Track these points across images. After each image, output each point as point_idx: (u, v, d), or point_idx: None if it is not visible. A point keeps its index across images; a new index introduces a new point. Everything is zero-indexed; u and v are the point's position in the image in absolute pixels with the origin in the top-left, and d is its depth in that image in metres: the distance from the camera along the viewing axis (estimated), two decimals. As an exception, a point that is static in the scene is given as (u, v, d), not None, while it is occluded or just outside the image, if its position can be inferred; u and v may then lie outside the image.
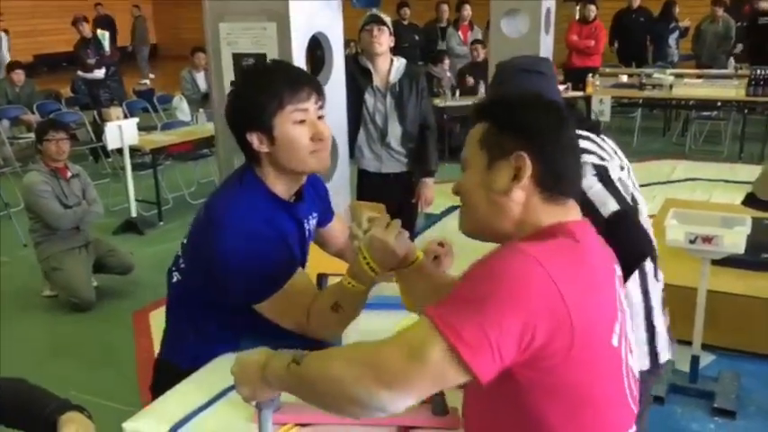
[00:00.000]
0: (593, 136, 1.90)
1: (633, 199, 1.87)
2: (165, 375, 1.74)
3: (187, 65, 8.29)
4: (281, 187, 1.68)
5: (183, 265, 1.76)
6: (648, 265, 1.88)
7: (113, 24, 13.37)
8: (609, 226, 1.67)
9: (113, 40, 9.47)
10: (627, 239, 1.67)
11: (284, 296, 1.59)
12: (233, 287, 1.59)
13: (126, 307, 4.60)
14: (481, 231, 1.24)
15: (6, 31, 11.72)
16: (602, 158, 1.83)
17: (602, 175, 1.78)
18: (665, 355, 1.93)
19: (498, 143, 1.18)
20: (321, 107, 1.66)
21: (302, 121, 1.60)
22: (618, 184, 1.80)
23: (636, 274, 1.84)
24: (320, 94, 1.65)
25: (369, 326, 1.77)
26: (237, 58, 3.09)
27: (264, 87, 1.60)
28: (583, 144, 1.78)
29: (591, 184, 1.74)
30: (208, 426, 1.42)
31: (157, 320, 4.42)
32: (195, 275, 1.69)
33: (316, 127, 1.62)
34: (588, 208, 1.69)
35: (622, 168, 1.90)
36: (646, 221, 1.90)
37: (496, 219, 1.19)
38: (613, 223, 1.68)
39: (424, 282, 1.52)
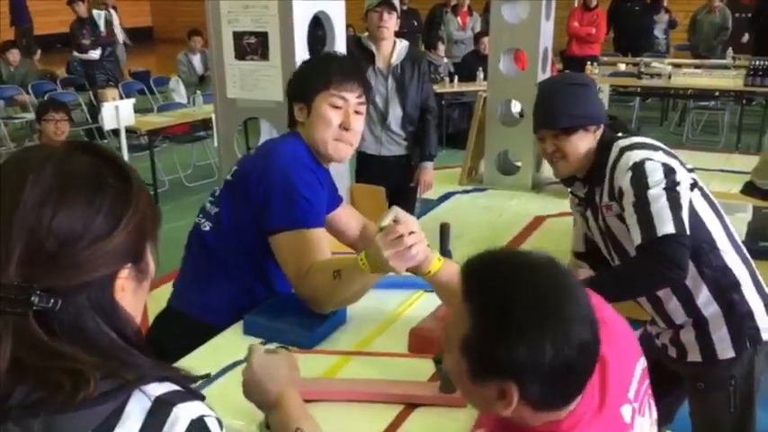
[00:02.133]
0: (653, 141, 1.89)
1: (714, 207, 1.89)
2: (179, 327, 1.78)
3: (183, 48, 8.23)
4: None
5: (215, 210, 1.83)
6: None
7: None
8: (654, 245, 1.72)
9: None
10: (662, 263, 1.72)
11: (302, 237, 1.66)
12: (274, 206, 1.68)
13: (122, 288, 4.57)
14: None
15: (115, 8, 11.45)
16: (672, 168, 1.80)
17: (671, 188, 1.77)
18: None
19: (482, 360, 0.99)
20: (362, 103, 1.84)
21: (338, 107, 1.79)
22: (684, 198, 1.79)
23: None
24: (366, 91, 1.85)
25: (376, 303, 1.77)
26: (238, 36, 3.06)
27: (320, 69, 1.85)
28: (647, 153, 1.81)
29: (658, 195, 1.75)
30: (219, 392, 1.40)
31: (155, 301, 4.39)
32: (234, 213, 1.77)
33: (348, 117, 1.80)
34: (646, 222, 1.74)
35: (691, 170, 1.90)
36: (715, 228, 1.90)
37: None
38: (660, 244, 1.72)
39: (440, 290, 1.58)
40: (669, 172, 1.78)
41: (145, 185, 0.91)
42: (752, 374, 1.95)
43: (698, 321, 1.92)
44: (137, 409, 0.80)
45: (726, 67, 8.64)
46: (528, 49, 6.07)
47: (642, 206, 1.75)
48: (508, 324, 0.95)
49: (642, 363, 1.17)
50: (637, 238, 1.76)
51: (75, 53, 9.12)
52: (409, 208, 3.79)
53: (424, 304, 1.71)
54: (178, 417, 0.81)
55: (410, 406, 1.36)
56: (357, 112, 1.82)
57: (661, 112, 9.60)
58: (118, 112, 5.89)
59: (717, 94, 8.07)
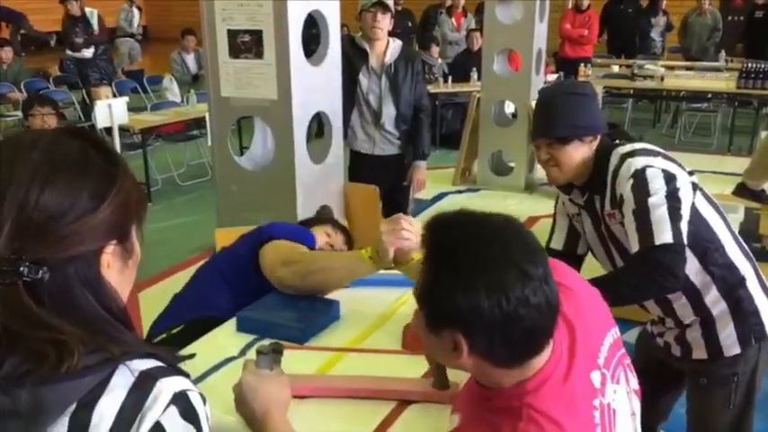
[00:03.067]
0: (653, 147, 1.90)
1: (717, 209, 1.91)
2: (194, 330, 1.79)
3: (177, 48, 8.21)
4: None
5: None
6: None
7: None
8: (650, 253, 1.74)
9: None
10: (657, 271, 1.74)
11: (290, 244, 1.85)
12: (269, 229, 1.93)
13: (114, 287, 4.56)
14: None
15: (140, 8, 11.80)
16: (673, 175, 1.81)
17: (672, 195, 1.77)
18: None
19: (431, 308, 1.05)
20: None
21: None
22: (685, 206, 1.80)
23: None
24: None
25: (370, 301, 1.78)
26: (233, 34, 3.05)
27: None
28: (648, 160, 1.82)
29: (658, 204, 1.76)
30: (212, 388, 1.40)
31: (147, 300, 4.38)
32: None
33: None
34: (645, 230, 1.75)
35: (691, 174, 1.92)
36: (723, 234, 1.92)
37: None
38: (656, 252, 1.73)
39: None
40: (670, 179, 1.79)
41: (131, 171, 0.95)
42: (755, 371, 1.97)
43: (706, 320, 1.93)
44: (121, 382, 0.84)
45: (718, 70, 8.68)
46: (522, 50, 6.10)
47: (642, 214, 1.76)
48: (449, 271, 1.00)
49: (614, 333, 1.19)
50: (635, 245, 1.78)
51: (68, 51, 9.09)
52: (402, 207, 3.79)
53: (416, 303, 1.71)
54: (161, 390, 0.85)
55: (403, 402, 1.36)
56: None
57: (654, 113, 9.63)
58: (111, 110, 5.88)
59: (709, 96, 8.11)
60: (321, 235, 2.17)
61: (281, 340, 1.43)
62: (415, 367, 1.45)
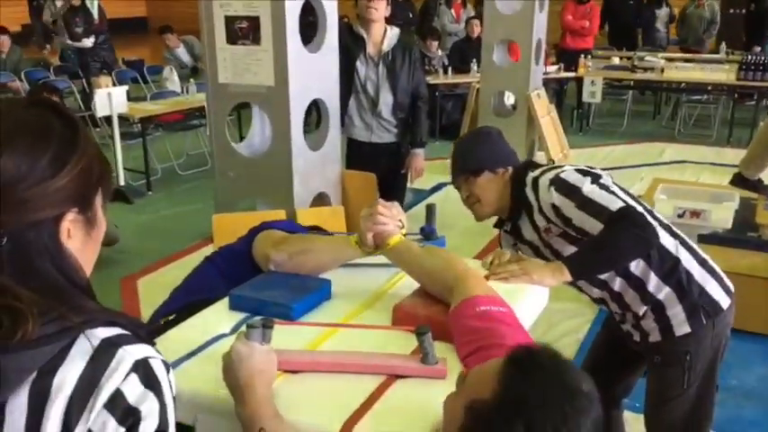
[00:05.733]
0: (559, 164, 2.14)
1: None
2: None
3: (173, 40, 8.32)
4: None
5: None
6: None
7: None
8: (616, 216, 1.83)
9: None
10: (634, 226, 1.84)
11: (283, 233, 1.86)
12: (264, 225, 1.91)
13: (115, 275, 4.58)
14: None
15: None
16: (584, 170, 1.98)
17: (597, 181, 1.93)
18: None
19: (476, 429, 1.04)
20: None
21: None
22: (613, 187, 1.95)
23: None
24: None
25: (361, 281, 1.80)
26: (230, 20, 3.07)
27: None
28: (556, 170, 2.00)
29: (592, 189, 1.90)
30: (203, 364, 1.42)
31: (146, 287, 4.42)
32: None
33: None
34: (598, 209, 1.86)
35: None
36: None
37: None
38: (621, 217, 1.84)
39: (395, 261, 1.71)
40: (585, 173, 1.95)
41: (93, 139, 0.95)
42: (713, 350, 2.02)
43: (655, 307, 2.02)
44: (82, 349, 0.84)
45: (719, 62, 8.67)
46: (521, 41, 6.09)
47: (586, 203, 1.88)
48: (528, 422, 0.98)
49: None
50: (598, 224, 1.87)
51: (69, 41, 9.10)
52: (399, 195, 3.81)
53: (408, 283, 1.73)
54: (123, 357, 0.85)
55: (392, 377, 1.38)
56: None
57: (654, 105, 9.63)
58: (110, 98, 5.89)
59: (709, 88, 8.11)
60: None
61: (273, 317, 1.44)
62: (404, 343, 1.47)
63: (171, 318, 1.89)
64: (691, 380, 2.04)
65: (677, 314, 2.00)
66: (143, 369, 0.85)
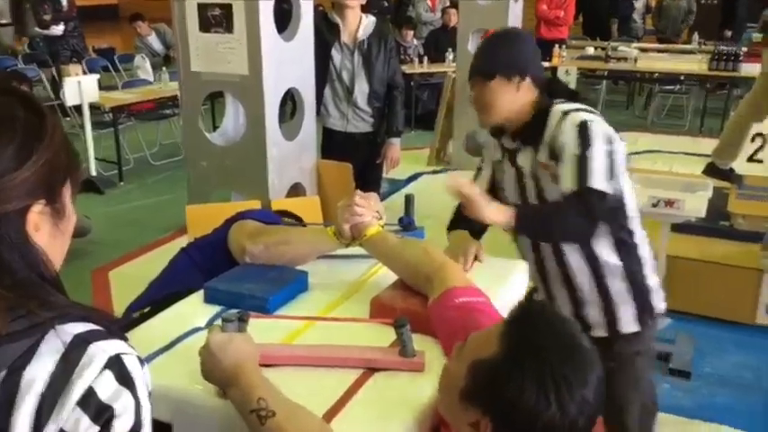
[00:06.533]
0: (594, 110, 1.97)
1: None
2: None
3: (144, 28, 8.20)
4: None
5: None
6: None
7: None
8: (584, 194, 1.82)
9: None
10: (587, 214, 1.84)
11: (260, 224, 1.83)
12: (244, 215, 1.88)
13: (86, 267, 4.51)
14: None
15: None
16: (613, 138, 1.89)
17: (611, 155, 1.86)
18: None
19: (483, 389, 1.05)
20: None
21: None
22: (618, 169, 1.88)
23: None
24: None
25: (338, 273, 1.78)
26: (202, 8, 3.01)
27: None
28: (592, 117, 1.90)
29: (599, 156, 1.84)
30: (179, 358, 1.40)
31: (117, 279, 4.36)
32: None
33: None
34: (583, 172, 1.82)
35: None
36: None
37: None
38: (589, 195, 1.82)
39: (373, 252, 1.70)
40: (610, 140, 1.88)
41: (63, 130, 0.91)
42: (651, 347, 2.07)
43: (606, 297, 2.03)
44: (52, 346, 0.81)
45: (691, 52, 8.76)
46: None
47: (583, 160, 1.83)
48: (533, 372, 0.99)
49: None
50: (569, 184, 1.85)
51: (37, 29, 8.91)
52: (375, 185, 3.79)
53: (386, 275, 1.71)
54: (95, 354, 0.82)
55: (370, 370, 1.36)
56: None
57: (627, 95, 9.70)
58: (81, 87, 5.79)
59: (682, 78, 8.18)
60: None
61: (249, 311, 1.42)
62: (382, 336, 1.45)
63: (146, 310, 1.87)
64: (641, 376, 2.08)
65: (627, 310, 2.03)
66: (116, 365, 0.83)
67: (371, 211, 1.68)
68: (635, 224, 2.02)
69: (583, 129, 1.85)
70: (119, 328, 0.90)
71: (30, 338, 0.81)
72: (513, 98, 1.94)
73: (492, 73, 1.93)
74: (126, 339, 0.87)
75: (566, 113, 1.91)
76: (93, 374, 0.81)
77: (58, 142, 0.88)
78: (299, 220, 2.17)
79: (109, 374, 0.82)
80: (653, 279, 2.06)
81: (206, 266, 1.84)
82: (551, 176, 1.93)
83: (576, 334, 1.05)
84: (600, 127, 1.87)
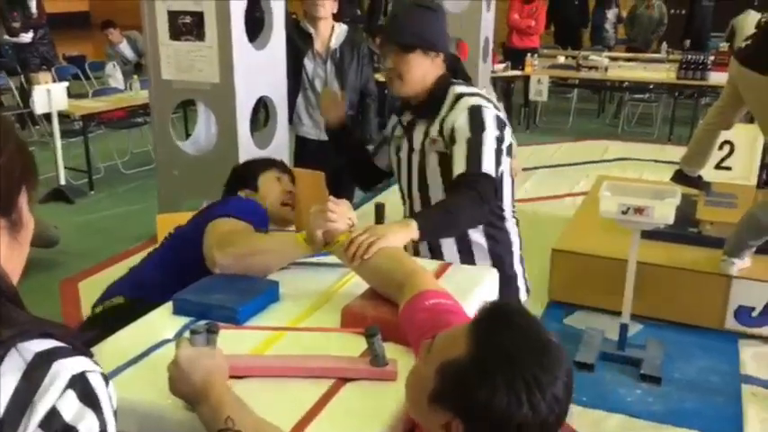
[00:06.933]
0: (488, 96, 2.07)
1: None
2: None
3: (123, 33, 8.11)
4: None
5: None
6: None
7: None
8: (476, 178, 1.91)
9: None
10: (483, 199, 1.91)
11: (235, 223, 1.85)
12: (218, 208, 1.93)
13: (54, 277, 4.44)
14: None
15: None
16: (504, 124, 2.01)
17: (500, 141, 1.98)
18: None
19: (452, 391, 1.04)
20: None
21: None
22: (503, 155, 2.01)
23: None
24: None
25: (309, 282, 1.77)
26: (173, 15, 3.00)
27: None
28: (484, 102, 2.01)
29: (490, 140, 1.94)
30: (147, 371, 1.38)
31: (87, 290, 4.29)
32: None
33: None
34: (475, 157, 1.92)
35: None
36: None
37: None
38: (481, 180, 1.92)
39: (344, 258, 1.69)
40: (501, 126, 1.99)
41: (17, 136, 0.87)
42: None
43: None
44: (14, 365, 0.78)
45: (660, 61, 8.90)
46: (469, 39, 6.13)
47: (475, 144, 1.93)
48: (504, 376, 0.98)
49: None
50: (460, 167, 1.93)
51: (6, 36, 8.78)
52: (348, 193, 3.78)
53: (357, 284, 1.71)
54: (58, 372, 0.79)
55: (341, 380, 1.35)
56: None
57: (598, 104, 9.83)
58: (50, 95, 5.71)
59: (651, 86, 8.31)
60: (273, 183, 2.29)
61: (218, 321, 1.41)
62: (353, 345, 1.45)
63: (119, 302, 1.86)
64: None
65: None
66: (80, 384, 0.80)
67: (344, 218, 1.69)
68: (507, 210, 2.14)
69: (476, 113, 1.96)
70: (83, 343, 0.87)
71: None
72: (427, 72, 2.02)
73: (412, 46, 1.99)
74: (91, 355, 0.84)
75: (461, 95, 2.01)
76: (56, 394, 0.78)
77: (12, 149, 0.84)
78: (276, 164, 2.39)
79: (72, 394, 0.79)
80: (518, 267, 2.19)
81: (178, 264, 1.85)
82: (436, 153, 2.03)
83: (543, 332, 1.05)
84: (490, 112, 1.98)
